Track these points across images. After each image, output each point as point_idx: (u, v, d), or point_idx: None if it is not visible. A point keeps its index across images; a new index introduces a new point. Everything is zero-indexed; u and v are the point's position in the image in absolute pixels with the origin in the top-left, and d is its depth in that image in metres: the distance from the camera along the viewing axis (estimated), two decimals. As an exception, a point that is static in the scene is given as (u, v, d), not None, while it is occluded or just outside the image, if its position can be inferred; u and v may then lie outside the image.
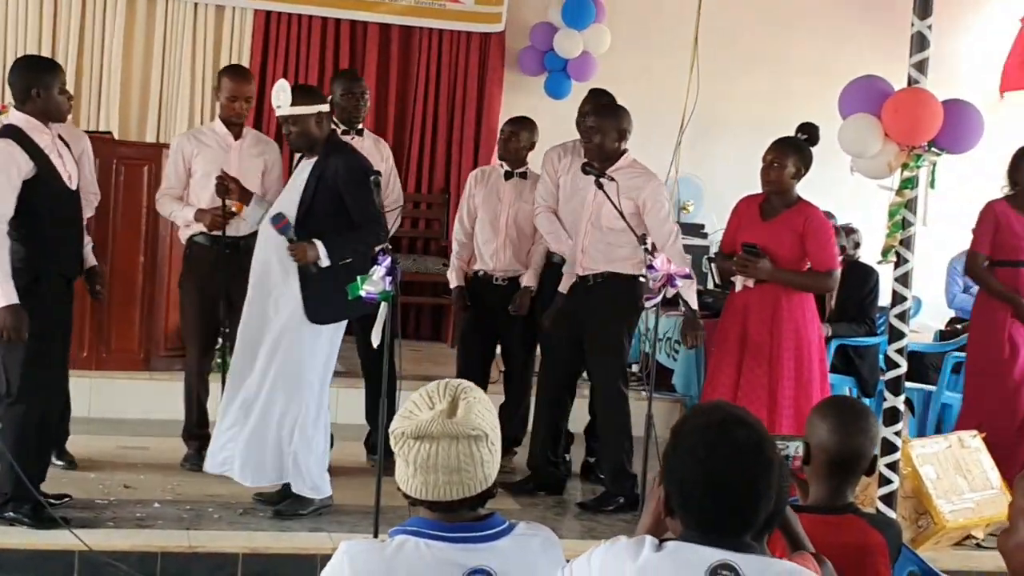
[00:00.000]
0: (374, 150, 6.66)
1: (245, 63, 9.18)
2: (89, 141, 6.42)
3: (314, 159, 5.69)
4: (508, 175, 6.77)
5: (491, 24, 9.73)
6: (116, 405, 7.37)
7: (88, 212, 6.36)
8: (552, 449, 6.49)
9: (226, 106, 6.35)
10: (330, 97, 6.39)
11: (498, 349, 7.01)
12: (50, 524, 5.25)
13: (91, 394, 7.18)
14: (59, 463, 6.08)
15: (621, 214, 5.90)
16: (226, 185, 6.01)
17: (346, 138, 6.35)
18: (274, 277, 5.67)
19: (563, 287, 6.43)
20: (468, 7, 9.63)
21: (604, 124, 6.17)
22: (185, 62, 9.33)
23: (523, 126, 6.84)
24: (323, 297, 5.60)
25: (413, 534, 2.62)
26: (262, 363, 5.66)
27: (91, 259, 5.83)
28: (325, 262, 5.56)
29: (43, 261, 5.24)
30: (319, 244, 5.54)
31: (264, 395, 5.65)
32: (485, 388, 6.15)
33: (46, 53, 8.94)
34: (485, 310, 6.74)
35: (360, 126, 6.73)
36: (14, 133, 5.20)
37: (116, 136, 8.54)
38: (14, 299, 5.09)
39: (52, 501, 5.41)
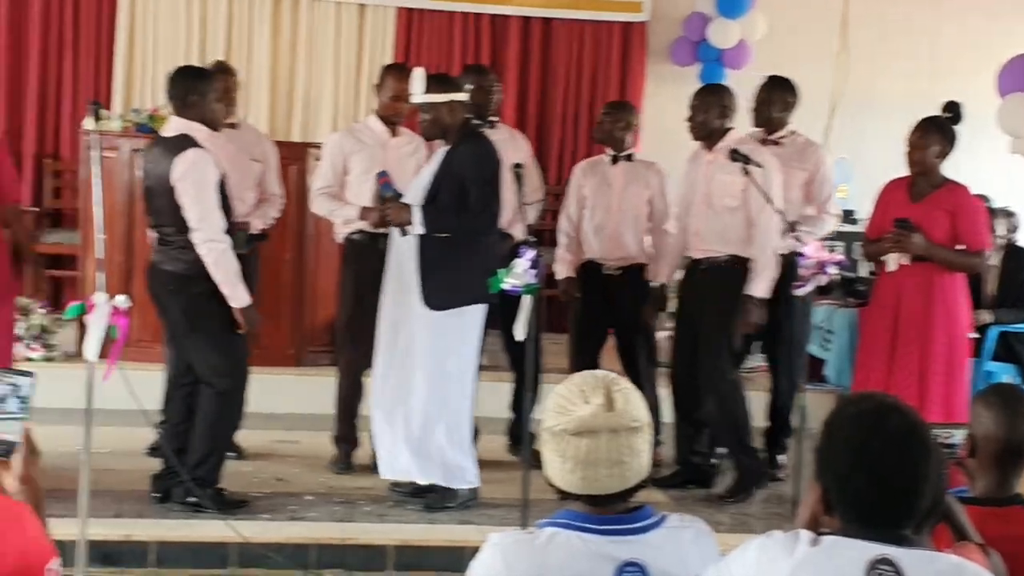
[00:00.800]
0: (510, 142, 6.60)
1: (388, 61, 9.26)
2: (271, 145, 6.58)
3: (447, 148, 5.71)
4: (614, 160, 6.69)
5: (633, 13, 9.67)
6: (267, 400, 7.46)
7: (273, 213, 6.50)
8: (695, 441, 6.39)
9: (388, 105, 6.34)
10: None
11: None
12: (231, 508, 5.47)
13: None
14: (230, 454, 6.21)
15: (768, 199, 5.78)
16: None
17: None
18: (406, 267, 5.71)
19: (664, 276, 6.46)
20: (610, -3, 9.61)
21: (704, 102, 6.11)
22: (328, 61, 9.45)
23: (622, 109, 6.80)
24: (436, 284, 5.62)
25: (563, 526, 2.59)
26: (403, 357, 5.71)
27: None
28: (418, 229, 5.60)
29: None
30: (416, 210, 5.59)
31: (409, 387, 5.70)
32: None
33: (194, 55, 9.16)
34: (597, 300, 6.62)
35: (493, 119, 6.67)
36: (194, 142, 5.35)
37: (263, 135, 8.66)
38: (247, 300, 5.40)
39: (219, 489, 5.56)
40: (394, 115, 6.37)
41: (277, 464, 6.45)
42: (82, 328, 7.23)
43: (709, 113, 6.06)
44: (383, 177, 5.82)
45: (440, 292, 5.63)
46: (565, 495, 2.63)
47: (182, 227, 5.39)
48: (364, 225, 6.20)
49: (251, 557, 5.19)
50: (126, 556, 5.17)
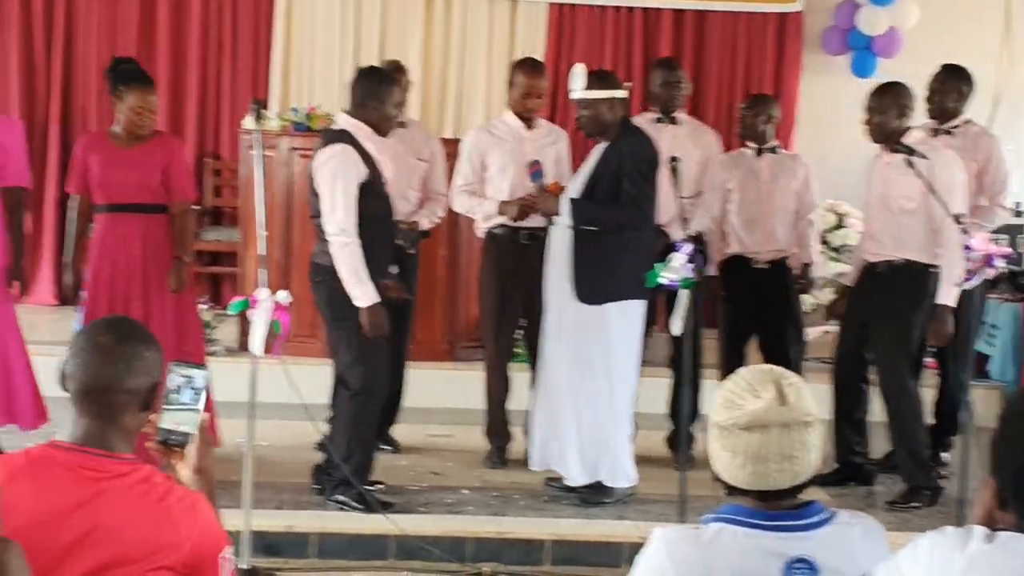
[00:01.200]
0: (692, 136, 6.53)
1: (539, 56, 9.26)
2: (439, 144, 6.66)
3: (605, 144, 5.69)
4: (759, 152, 6.57)
5: (787, 4, 9.53)
6: (422, 394, 7.54)
7: (439, 212, 6.54)
8: (856, 439, 6.26)
9: (519, 101, 6.32)
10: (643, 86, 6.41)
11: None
12: (375, 510, 5.46)
13: (399, 384, 7.39)
14: (386, 448, 6.28)
15: (931, 189, 5.62)
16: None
17: (659, 126, 6.38)
18: (560, 261, 5.71)
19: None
20: (764, -13, 9.48)
21: (881, 103, 5.90)
22: (480, 57, 9.50)
23: (763, 103, 6.71)
24: (590, 278, 5.60)
25: (729, 522, 2.55)
26: (561, 351, 5.71)
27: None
28: (565, 220, 5.58)
29: (370, 261, 5.43)
30: (564, 199, 5.59)
31: (566, 383, 5.69)
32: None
33: (349, 53, 9.32)
34: (746, 294, 6.51)
35: (678, 114, 6.58)
36: (346, 137, 5.42)
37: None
38: (376, 298, 5.37)
39: (366, 487, 5.61)
40: (526, 112, 6.35)
41: (432, 458, 6.50)
42: (243, 324, 7.44)
43: (887, 114, 5.86)
44: (534, 165, 5.83)
45: (592, 286, 5.61)
46: (733, 490, 2.59)
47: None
48: (504, 219, 6.22)
49: (409, 550, 5.25)
50: (287, 547, 5.27)
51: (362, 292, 5.36)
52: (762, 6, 9.53)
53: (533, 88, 6.28)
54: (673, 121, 6.54)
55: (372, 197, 5.44)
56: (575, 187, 5.73)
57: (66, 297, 8.92)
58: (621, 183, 5.58)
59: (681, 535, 2.58)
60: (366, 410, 5.55)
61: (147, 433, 2.69)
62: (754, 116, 6.56)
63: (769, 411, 2.50)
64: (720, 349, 6.65)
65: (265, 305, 5.02)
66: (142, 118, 5.77)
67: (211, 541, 2.59)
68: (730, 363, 6.34)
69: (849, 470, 6.26)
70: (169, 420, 2.71)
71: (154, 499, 2.52)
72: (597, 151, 5.74)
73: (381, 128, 5.55)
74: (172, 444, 2.74)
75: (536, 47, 9.47)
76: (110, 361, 2.55)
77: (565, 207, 5.58)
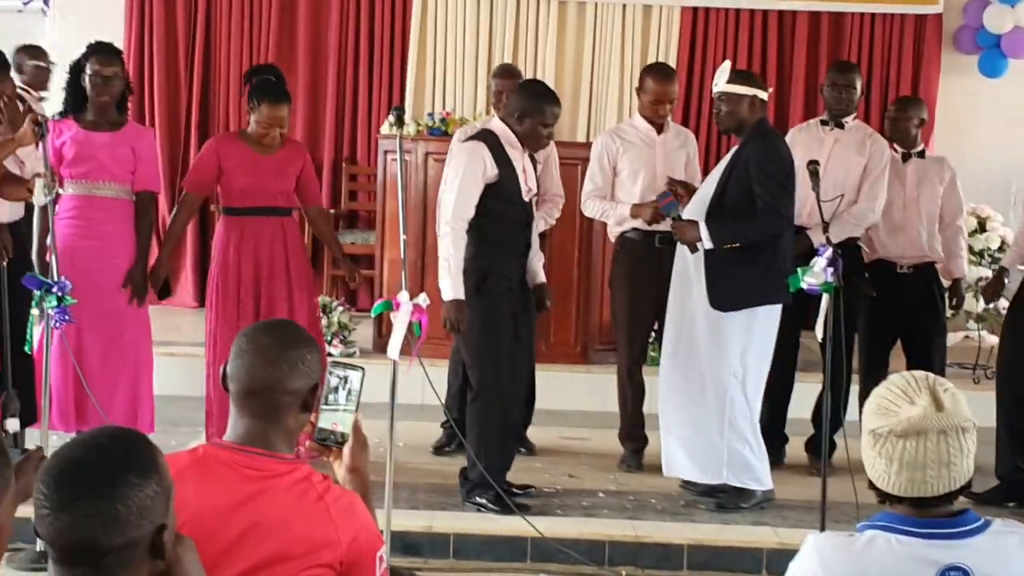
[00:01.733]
0: (863, 145, 6.38)
1: (672, 61, 9.26)
2: (552, 146, 6.69)
3: (737, 147, 5.69)
4: (905, 157, 6.45)
5: (927, 5, 9.37)
6: (556, 397, 7.58)
7: (556, 213, 6.57)
8: (1020, 455, 6.03)
9: (648, 107, 6.30)
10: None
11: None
12: (511, 511, 5.50)
13: (532, 386, 7.43)
14: (521, 450, 6.32)
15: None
16: (675, 191, 6.00)
17: (824, 128, 6.35)
18: (691, 267, 5.69)
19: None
20: (901, -12, 9.34)
21: None
22: (614, 62, 9.51)
23: (914, 105, 6.59)
24: (724, 284, 5.57)
25: (883, 529, 2.53)
26: (688, 355, 5.70)
27: (540, 275, 5.92)
28: (708, 244, 5.54)
29: (491, 261, 5.49)
30: (701, 225, 5.53)
31: (694, 388, 5.69)
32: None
33: (482, 59, 9.39)
34: (889, 299, 6.37)
35: (848, 119, 6.44)
36: (488, 137, 5.48)
37: (551, 137, 8.79)
38: (460, 295, 5.41)
39: (516, 491, 5.67)
40: (656, 117, 6.32)
41: (567, 461, 6.52)
42: (378, 325, 7.55)
43: None
44: (666, 198, 5.80)
45: (728, 294, 5.58)
46: (886, 498, 2.57)
47: None
48: (637, 223, 6.21)
49: (546, 552, 5.28)
50: (427, 547, 5.34)
51: (448, 285, 5.43)
52: (902, 7, 9.38)
53: (663, 94, 6.25)
54: (840, 126, 6.41)
55: (501, 199, 5.49)
56: (707, 187, 5.71)
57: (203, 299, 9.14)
58: (752, 187, 5.55)
59: (834, 542, 2.57)
60: (489, 411, 5.59)
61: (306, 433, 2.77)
62: (905, 120, 6.47)
63: (926, 418, 2.48)
64: (862, 354, 6.55)
65: (406, 308, 5.10)
66: (270, 132, 5.91)
67: (367, 540, 2.65)
68: (873, 368, 6.27)
69: (1012, 488, 6.03)
70: (326, 420, 2.78)
71: (313, 498, 2.58)
72: (729, 154, 5.73)
73: (529, 145, 5.61)
74: (329, 444, 2.81)
75: (669, 51, 9.45)
76: (273, 363, 2.60)
77: (703, 230, 5.54)
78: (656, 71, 6.47)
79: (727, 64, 5.73)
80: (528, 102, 5.56)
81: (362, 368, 2.88)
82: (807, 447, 6.48)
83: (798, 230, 6.01)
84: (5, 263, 5.62)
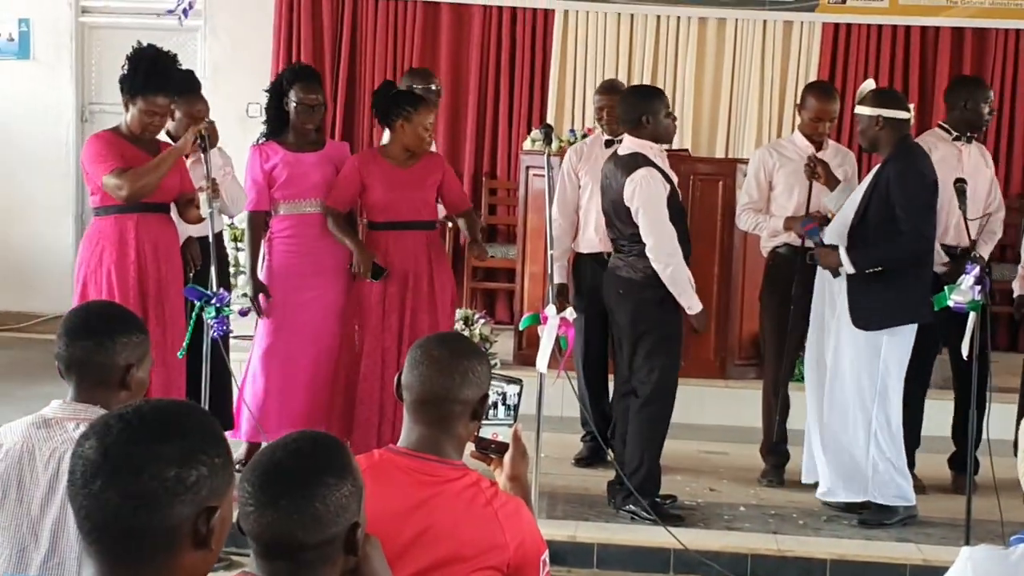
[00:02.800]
0: (979, 157, 6.40)
1: (812, 76, 9.27)
2: None
3: (879, 165, 5.70)
4: None
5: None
6: (694, 411, 7.63)
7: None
8: None
9: (808, 125, 6.31)
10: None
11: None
12: (667, 520, 5.60)
13: (672, 400, 7.50)
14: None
15: None
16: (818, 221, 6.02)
17: (957, 143, 6.30)
18: (833, 286, 5.72)
19: None
20: (1048, 3, 9.21)
21: None
22: (754, 78, 9.54)
23: None
24: (866, 303, 5.58)
25: (1036, 543, 2.58)
26: (830, 372, 5.73)
27: None
28: (849, 269, 5.56)
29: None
30: (842, 251, 5.56)
31: (836, 405, 5.72)
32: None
33: (622, 76, 9.45)
34: None
35: (974, 135, 6.40)
36: (645, 160, 5.60)
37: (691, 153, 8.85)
38: (698, 307, 5.73)
39: (658, 500, 5.75)
40: (816, 136, 6.32)
41: (708, 475, 6.57)
42: (520, 338, 7.68)
43: None
44: (810, 223, 5.82)
45: (871, 313, 5.61)
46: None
47: (635, 237, 5.63)
48: (789, 238, 6.23)
49: (689, 563, 5.35)
50: (571, 556, 5.44)
51: (691, 302, 5.70)
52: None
53: (824, 112, 6.24)
54: (969, 141, 6.36)
55: (673, 212, 5.63)
56: (849, 206, 5.73)
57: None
58: (893, 208, 5.56)
59: (988, 554, 2.62)
60: (659, 419, 5.74)
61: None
62: None
63: None
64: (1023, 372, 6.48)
65: (553, 321, 5.23)
66: (431, 136, 6.06)
67: (532, 544, 2.76)
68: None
69: None
70: (487, 431, 2.91)
71: (482, 503, 2.71)
72: (872, 173, 5.76)
73: (662, 138, 5.74)
74: (490, 453, 2.94)
75: (810, 67, 9.45)
76: (447, 373, 2.74)
77: (843, 256, 5.57)
78: (817, 88, 6.52)
79: (868, 83, 5.75)
80: (641, 101, 5.75)
81: (520, 381, 3.01)
82: (950, 464, 6.44)
83: (947, 251, 6.02)
84: (192, 274, 5.86)
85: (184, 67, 5.90)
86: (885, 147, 5.65)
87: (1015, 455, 2.73)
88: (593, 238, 6.40)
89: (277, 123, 6.17)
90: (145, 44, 5.59)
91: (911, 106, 5.99)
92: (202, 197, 5.49)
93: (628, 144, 5.71)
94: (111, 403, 2.89)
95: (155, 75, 5.45)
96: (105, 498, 1.74)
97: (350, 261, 6.06)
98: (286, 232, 6.13)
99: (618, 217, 5.68)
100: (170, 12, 9.77)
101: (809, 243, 6.05)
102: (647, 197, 5.54)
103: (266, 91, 6.28)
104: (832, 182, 6.00)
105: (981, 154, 6.46)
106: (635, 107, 5.72)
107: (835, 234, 5.71)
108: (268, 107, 6.22)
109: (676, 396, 5.84)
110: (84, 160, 5.56)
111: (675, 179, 5.75)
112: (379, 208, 6.07)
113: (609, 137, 6.38)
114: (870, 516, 5.74)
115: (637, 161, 5.60)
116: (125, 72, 5.50)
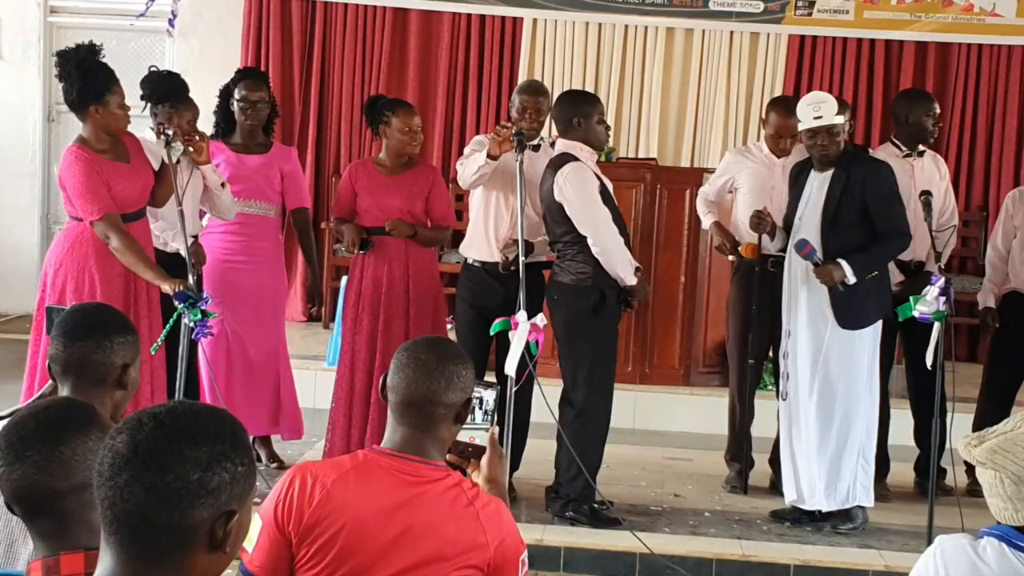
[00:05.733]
0: (933, 168, 6.48)
1: (778, 87, 9.39)
2: None
3: (828, 172, 5.75)
4: None
5: (1034, 35, 9.39)
6: (660, 418, 7.73)
7: None
8: None
9: (770, 139, 6.43)
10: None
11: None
12: (606, 524, 5.66)
13: (635, 406, 7.58)
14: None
15: None
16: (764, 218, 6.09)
17: (908, 159, 6.36)
18: (810, 294, 5.79)
19: None
20: (1009, 20, 9.33)
21: None
22: (720, 89, 9.63)
23: None
24: (852, 303, 5.65)
25: (999, 538, 2.66)
26: (822, 376, 5.77)
27: None
28: (852, 280, 5.60)
29: (606, 280, 5.64)
30: (844, 264, 5.60)
31: (827, 413, 5.76)
32: (1008, 410, 6.00)
33: (589, 86, 9.53)
34: (1019, 332, 6.35)
35: (921, 148, 6.44)
36: (572, 157, 5.63)
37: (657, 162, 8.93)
38: (632, 281, 5.67)
39: (595, 505, 5.80)
40: (778, 151, 6.40)
41: (673, 481, 6.63)
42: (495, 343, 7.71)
43: None
44: (805, 246, 5.83)
45: (853, 313, 5.68)
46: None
47: (569, 242, 5.66)
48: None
49: (654, 568, 5.41)
50: (537, 559, 5.44)
51: (627, 269, 5.64)
52: (1009, 39, 9.40)
53: (785, 128, 6.31)
54: (920, 155, 6.43)
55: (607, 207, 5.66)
56: (810, 218, 5.77)
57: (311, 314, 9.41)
58: (868, 209, 5.65)
59: (957, 542, 2.71)
60: (594, 427, 5.74)
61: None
62: None
63: (966, 447, 2.67)
64: (983, 382, 6.58)
65: (524, 327, 5.28)
66: (414, 138, 6.10)
67: (512, 544, 2.82)
68: (992, 397, 6.32)
69: None
70: (464, 434, 2.96)
71: (464, 503, 2.76)
72: (817, 180, 5.79)
73: (598, 144, 5.78)
74: (468, 456, 2.99)
75: (776, 78, 9.56)
76: (433, 377, 2.78)
77: (846, 269, 5.60)
78: (780, 105, 6.55)
79: (824, 96, 5.84)
80: (574, 106, 5.77)
81: (497, 386, 3.07)
82: (916, 468, 6.53)
83: (902, 267, 6.14)
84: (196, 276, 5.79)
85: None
86: (838, 152, 5.75)
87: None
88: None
89: (225, 124, 6.29)
90: (71, 47, 5.45)
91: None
92: (161, 145, 5.50)
93: (559, 146, 5.78)
94: (106, 402, 2.94)
95: (107, 70, 5.43)
96: (129, 491, 1.79)
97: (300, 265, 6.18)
98: (223, 228, 6.19)
99: (552, 217, 5.70)
100: (140, 16, 9.85)
101: (770, 250, 6.13)
102: (576, 187, 5.56)
103: (218, 95, 6.35)
104: (773, 232, 6.07)
105: (936, 165, 6.53)
106: (568, 110, 5.76)
107: (808, 234, 5.74)
108: (218, 108, 6.33)
109: (612, 403, 5.83)
110: (65, 181, 5.42)
111: (609, 185, 5.77)
112: (363, 213, 6.13)
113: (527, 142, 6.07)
114: (840, 522, 5.82)
115: (566, 159, 5.65)
116: (74, 84, 5.37)
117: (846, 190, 5.67)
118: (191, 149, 5.61)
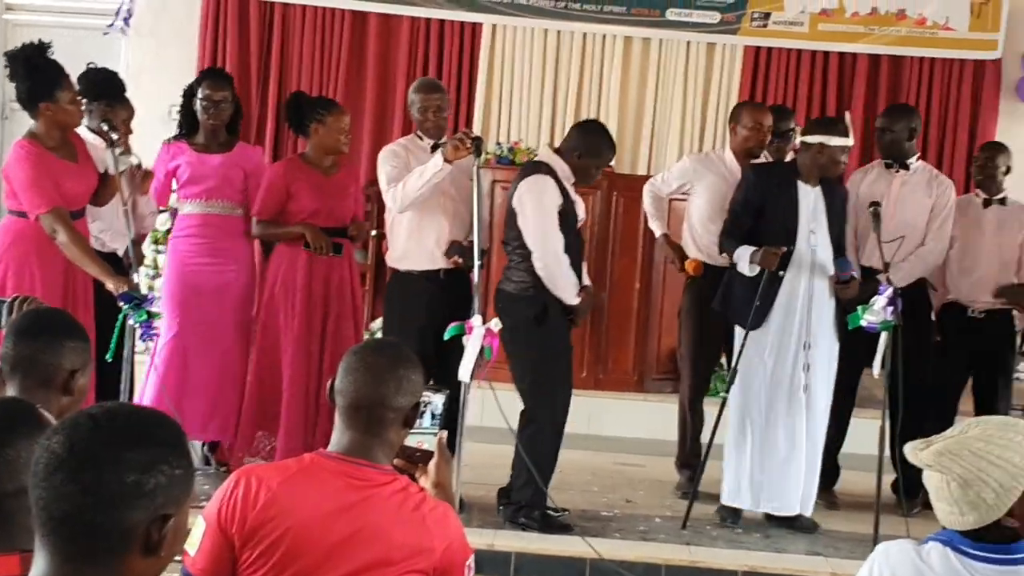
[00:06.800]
0: (922, 186, 6.45)
1: (734, 97, 9.44)
2: None
3: (817, 188, 5.89)
4: (987, 203, 6.49)
5: (986, 51, 9.48)
6: (612, 424, 7.77)
7: None
8: None
9: (743, 140, 6.47)
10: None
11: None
12: (557, 530, 5.69)
13: (589, 412, 7.61)
14: None
15: None
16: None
17: (890, 170, 6.44)
18: (801, 306, 5.89)
19: None
20: (962, 34, 9.43)
21: None
22: (676, 98, 9.68)
23: (1000, 151, 6.61)
24: (839, 310, 5.86)
25: (944, 543, 2.70)
26: (810, 390, 5.90)
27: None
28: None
29: (550, 291, 5.68)
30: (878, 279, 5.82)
31: (818, 421, 5.95)
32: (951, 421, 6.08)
33: (548, 92, 9.59)
34: (960, 342, 6.42)
35: (912, 160, 6.48)
36: (547, 169, 5.68)
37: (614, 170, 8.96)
38: (575, 301, 5.68)
39: (551, 512, 5.83)
40: (747, 152, 6.45)
41: (624, 487, 6.68)
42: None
43: None
44: (847, 268, 5.93)
45: (841, 318, 5.83)
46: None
47: (516, 247, 5.71)
48: (705, 257, 6.41)
49: (604, 573, 5.44)
50: (488, 564, 5.47)
51: (570, 288, 5.67)
52: (961, 53, 9.51)
53: (763, 126, 6.41)
54: (905, 167, 6.46)
55: (563, 226, 5.66)
56: (827, 235, 5.92)
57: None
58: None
59: (903, 546, 2.76)
60: (545, 435, 5.77)
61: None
62: (994, 167, 6.46)
63: (912, 452, 2.70)
64: (930, 396, 6.53)
65: (479, 331, 5.30)
66: (343, 140, 6.13)
67: (458, 549, 2.84)
68: (940, 410, 6.35)
69: None
70: (412, 439, 2.98)
71: (411, 507, 2.77)
72: (810, 195, 5.88)
73: (581, 181, 5.81)
74: (416, 460, 3.01)
75: (731, 88, 9.62)
76: (383, 381, 2.79)
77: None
78: (749, 104, 6.72)
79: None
80: (592, 144, 5.79)
81: (447, 391, 3.09)
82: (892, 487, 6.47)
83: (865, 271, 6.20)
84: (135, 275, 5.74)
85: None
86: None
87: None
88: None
89: (189, 124, 6.29)
90: (18, 46, 5.48)
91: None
92: (109, 156, 5.52)
93: (542, 154, 5.82)
94: (52, 406, 2.93)
95: (56, 67, 5.41)
96: (64, 492, 1.77)
97: (261, 265, 6.17)
98: (188, 231, 6.20)
99: (508, 221, 5.76)
100: (110, 27, 9.82)
101: (722, 262, 6.19)
102: (535, 199, 5.61)
103: (182, 95, 6.36)
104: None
105: (927, 183, 6.47)
106: (583, 141, 5.78)
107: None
108: (182, 109, 6.34)
109: (562, 412, 5.84)
110: (11, 174, 5.43)
111: (580, 204, 5.80)
112: (307, 215, 6.10)
113: (434, 141, 6.10)
114: (808, 521, 5.98)
115: (539, 168, 5.70)
116: (24, 82, 5.39)
117: (833, 205, 5.88)
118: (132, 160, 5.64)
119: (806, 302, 5.85)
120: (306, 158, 6.21)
